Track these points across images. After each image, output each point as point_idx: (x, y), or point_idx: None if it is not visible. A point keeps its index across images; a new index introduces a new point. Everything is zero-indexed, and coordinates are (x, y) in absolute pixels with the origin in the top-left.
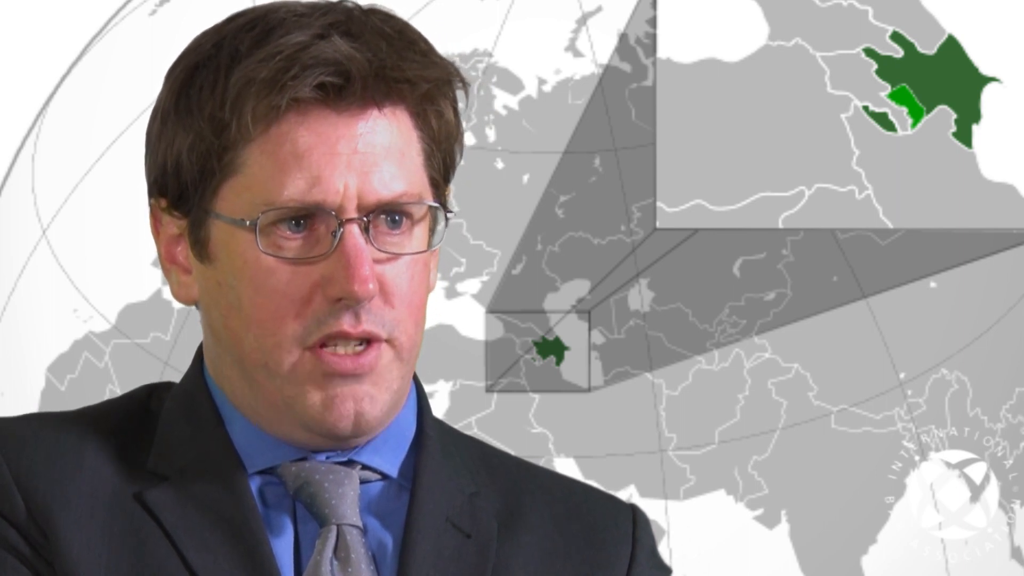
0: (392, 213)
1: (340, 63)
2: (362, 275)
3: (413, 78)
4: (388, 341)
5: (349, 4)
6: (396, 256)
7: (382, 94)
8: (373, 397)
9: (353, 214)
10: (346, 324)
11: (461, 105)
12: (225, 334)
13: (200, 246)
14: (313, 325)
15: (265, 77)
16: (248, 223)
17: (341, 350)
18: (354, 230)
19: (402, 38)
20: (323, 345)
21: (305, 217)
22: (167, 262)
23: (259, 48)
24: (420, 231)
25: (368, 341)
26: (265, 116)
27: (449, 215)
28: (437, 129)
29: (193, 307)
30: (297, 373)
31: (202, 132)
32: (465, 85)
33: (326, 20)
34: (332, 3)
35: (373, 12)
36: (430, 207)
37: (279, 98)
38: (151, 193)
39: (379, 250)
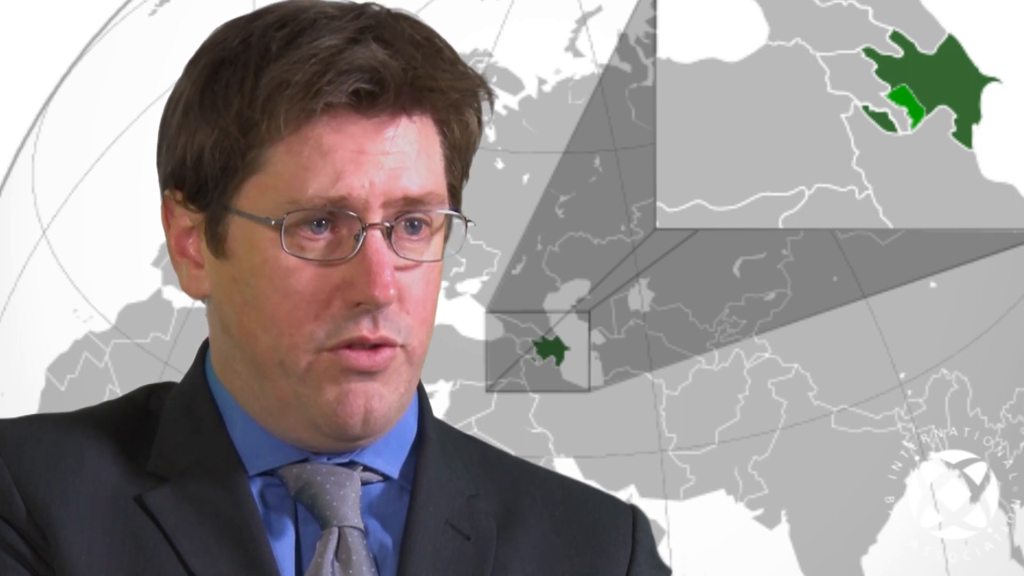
0: (413, 219)
1: (376, 70)
2: (383, 281)
3: (444, 87)
4: (402, 347)
5: (377, 8)
6: (416, 264)
7: (412, 102)
8: (382, 396)
9: (377, 215)
10: (365, 329)
11: (485, 116)
12: (238, 331)
13: (217, 241)
14: (332, 328)
15: (300, 80)
16: (273, 222)
17: (357, 347)
18: (376, 235)
19: (431, 46)
20: (338, 348)
21: (328, 219)
22: (177, 254)
23: (291, 49)
24: (437, 239)
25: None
26: (297, 119)
27: (470, 223)
28: (460, 138)
29: (193, 307)
30: (314, 372)
31: (228, 129)
32: (491, 96)
33: (358, 24)
34: (360, 6)
35: (402, 17)
36: (447, 215)
37: (314, 103)
38: (165, 184)
39: (400, 256)
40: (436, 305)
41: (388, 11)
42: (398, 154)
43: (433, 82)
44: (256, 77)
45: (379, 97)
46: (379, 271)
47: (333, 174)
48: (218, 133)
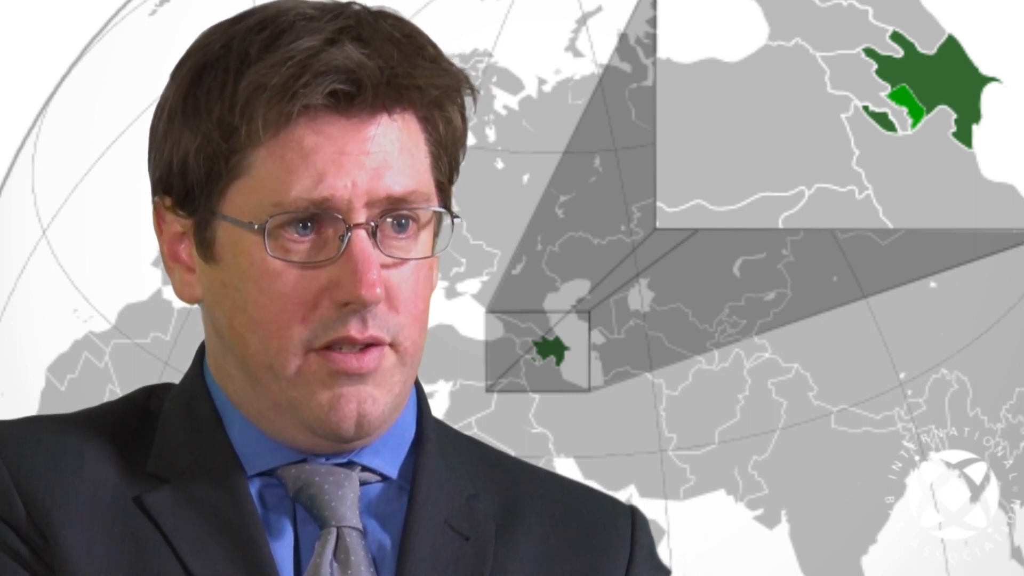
0: (399, 217)
1: (352, 71)
2: (369, 279)
3: (423, 85)
4: (392, 345)
5: (357, 7)
6: (402, 261)
7: (392, 100)
8: (376, 398)
9: (361, 215)
10: (353, 329)
11: (469, 112)
12: (229, 335)
13: (205, 246)
14: (320, 329)
15: (276, 83)
16: (256, 226)
17: (346, 349)
18: (361, 234)
19: (411, 43)
20: (328, 348)
21: (312, 220)
22: (170, 260)
23: (269, 52)
24: (425, 235)
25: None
26: (275, 122)
27: (457, 219)
28: (444, 134)
29: (193, 307)
30: (303, 375)
31: (210, 135)
32: (474, 91)
33: (336, 25)
34: (341, 5)
35: (382, 16)
36: (435, 211)
37: (291, 105)
38: (155, 191)
39: (386, 255)
40: (428, 302)
41: (368, 10)
42: (379, 153)
43: (411, 80)
44: (235, 82)
45: (357, 97)
46: (365, 270)
47: (315, 176)
48: (201, 139)
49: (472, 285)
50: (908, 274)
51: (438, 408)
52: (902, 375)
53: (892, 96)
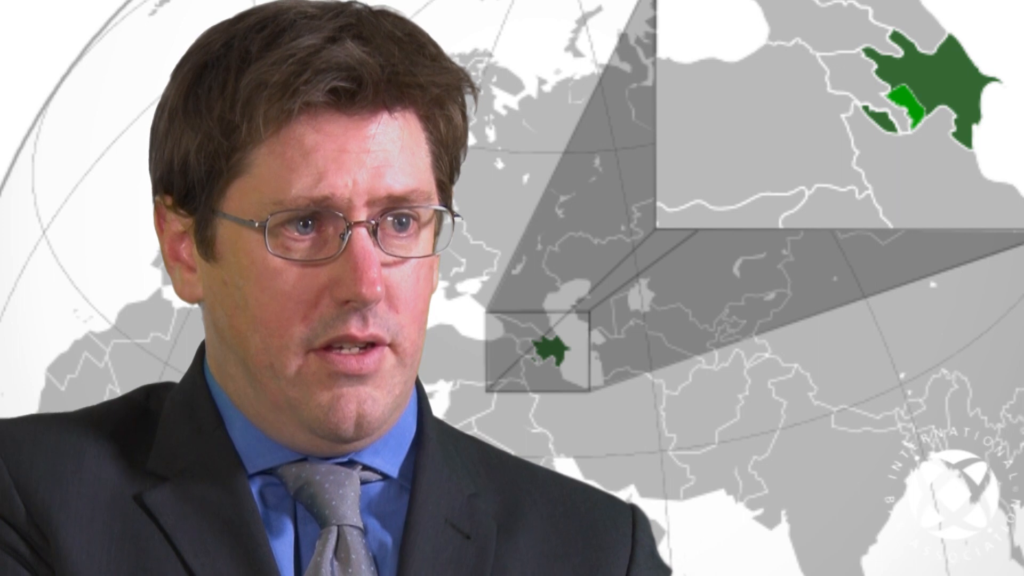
0: (400, 215)
1: (352, 68)
2: (370, 277)
3: (424, 83)
4: (392, 345)
5: (358, 6)
6: (403, 260)
7: (393, 98)
8: (375, 399)
9: (362, 213)
10: (353, 328)
11: (470, 110)
12: (230, 334)
13: (206, 245)
14: (320, 328)
15: (277, 80)
16: (257, 224)
17: (346, 350)
18: (362, 232)
19: (412, 42)
20: (328, 347)
21: (313, 218)
22: (171, 259)
23: (270, 50)
24: (426, 234)
25: (372, 344)
26: (276, 119)
27: (457, 218)
28: (445, 133)
29: (193, 307)
30: (303, 375)
31: (211, 133)
32: (474, 90)
33: (337, 23)
34: (342, 4)
35: (383, 15)
36: (436, 210)
37: (291, 102)
38: (156, 190)
39: (387, 253)
40: (428, 302)
41: (369, 9)
42: (380, 152)
43: (412, 78)
44: (236, 80)
45: (358, 95)
46: (366, 268)
47: (316, 174)
48: (202, 137)
49: (472, 285)
50: (908, 274)
51: (438, 408)
52: (902, 375)
53: (892, 96)
